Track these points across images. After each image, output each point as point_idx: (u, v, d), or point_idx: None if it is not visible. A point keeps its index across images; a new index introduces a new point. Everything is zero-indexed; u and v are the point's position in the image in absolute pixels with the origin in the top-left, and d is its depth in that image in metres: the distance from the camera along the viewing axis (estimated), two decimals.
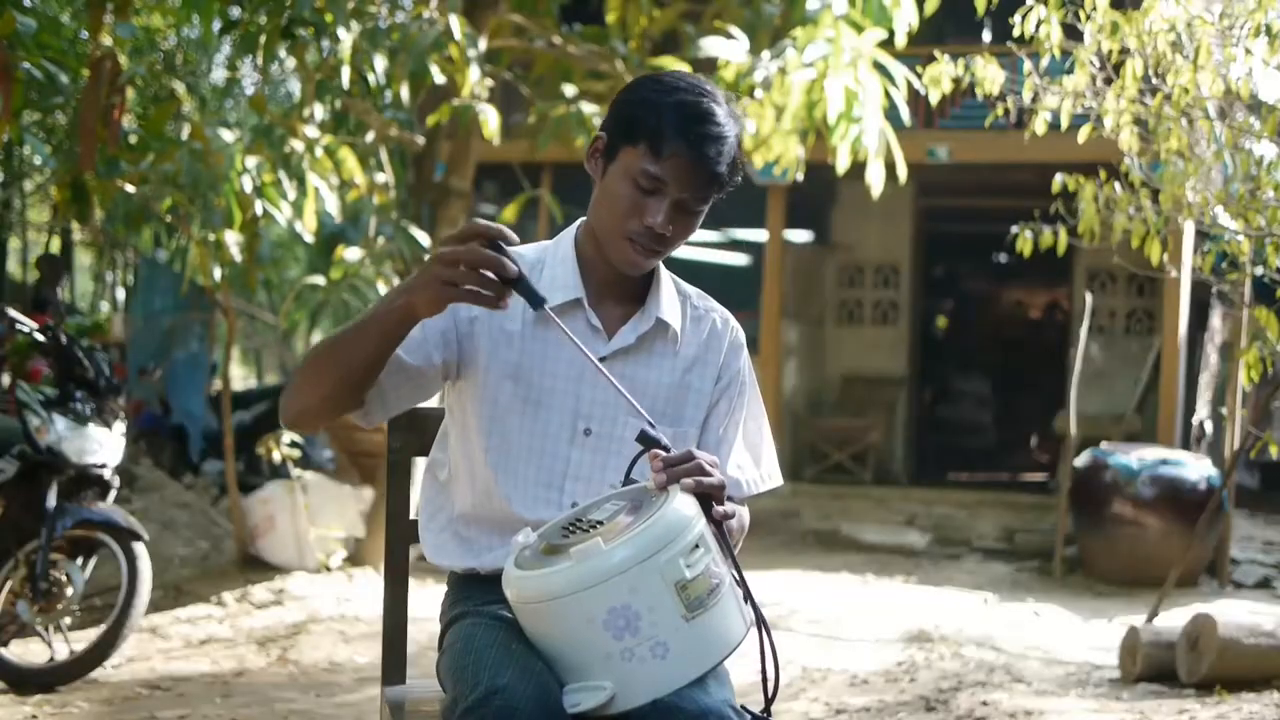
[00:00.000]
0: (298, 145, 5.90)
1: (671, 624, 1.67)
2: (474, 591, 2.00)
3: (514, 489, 1.98)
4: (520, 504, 1.97)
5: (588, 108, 6.42)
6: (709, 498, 1.75)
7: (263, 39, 5.49)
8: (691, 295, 2.11)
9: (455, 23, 5.68)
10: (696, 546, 1.69)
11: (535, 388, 1.97)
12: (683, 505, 1.71)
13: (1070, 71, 4.73)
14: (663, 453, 1.78)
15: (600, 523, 1.73)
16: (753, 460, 2.10)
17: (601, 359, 1.99)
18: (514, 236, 1.73)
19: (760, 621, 1.76)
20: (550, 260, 2.03)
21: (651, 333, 2.02)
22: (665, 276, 2.06)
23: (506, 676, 1.70)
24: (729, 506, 1.78)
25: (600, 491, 1.93)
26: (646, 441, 1.80)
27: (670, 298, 2.06)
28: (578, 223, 2.05)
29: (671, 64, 6.27)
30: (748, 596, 1.76)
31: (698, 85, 1.92)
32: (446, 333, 1.94)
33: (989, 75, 4.87)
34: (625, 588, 1.65)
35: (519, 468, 1.98)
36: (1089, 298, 8.75)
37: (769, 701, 1.79)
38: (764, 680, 1.79)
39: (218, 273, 6.21)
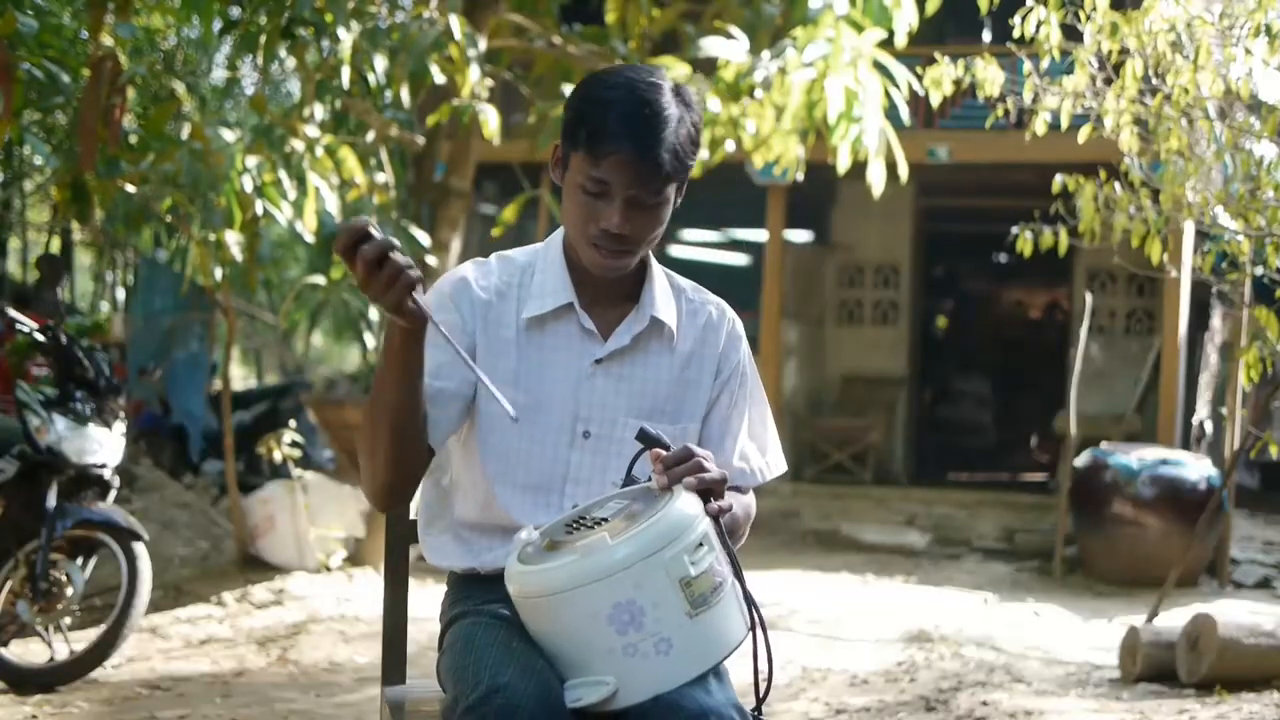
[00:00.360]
0: (298, 145, 5.90)
1: (675, 620, 1.67)
2: (474, 591, 2.00)
3: (513, 497, 1.98)
4: (519, 512, 1.96)
5: None
6: (709, 492, 1.76)
7: (263, 39, 5.49)
8: (686, 289, 2.10)
9: (455, 23, 5.68)
10: (700, 544, 1.70)
11: (534, 393, 1.97)
12: (687, 504, 1.72)
13: (1070, 72, 4.73)
14: (663, 452, 1.78)
15: (604, 520, 1.74)
16: (757, 449, 2.10)
17: (598, 361, 1.99)
18: (362, 222, 1.71)
19: (757, 621, 1.77)
20: (540, 265, 2.03)
21: (647, 332, 2.02)
22: (658, 272, 2.06)
23: (507, 675, 1.70)
24: (726, 501, 1.79)
25: (602, 493, 1.93)
26: (646, 440, 1.80)
27: (664, 294, 2.05)
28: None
29: (672, 64, 6.27)
30: (746, 595, 1.77)
31: (633, 79, 1.89)
32: (467, 350, 1.95)
33: (989, 76, 4.87)
34: (630, 583, 1.66)
35: (519, 475, 1.98)
36: (1089, 298, 8.75)
37: (760, 700, 1.80)
38: (755, 678, 1.79)
39: (218, 273, 6.21)
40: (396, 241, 1.71)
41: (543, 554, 1.74)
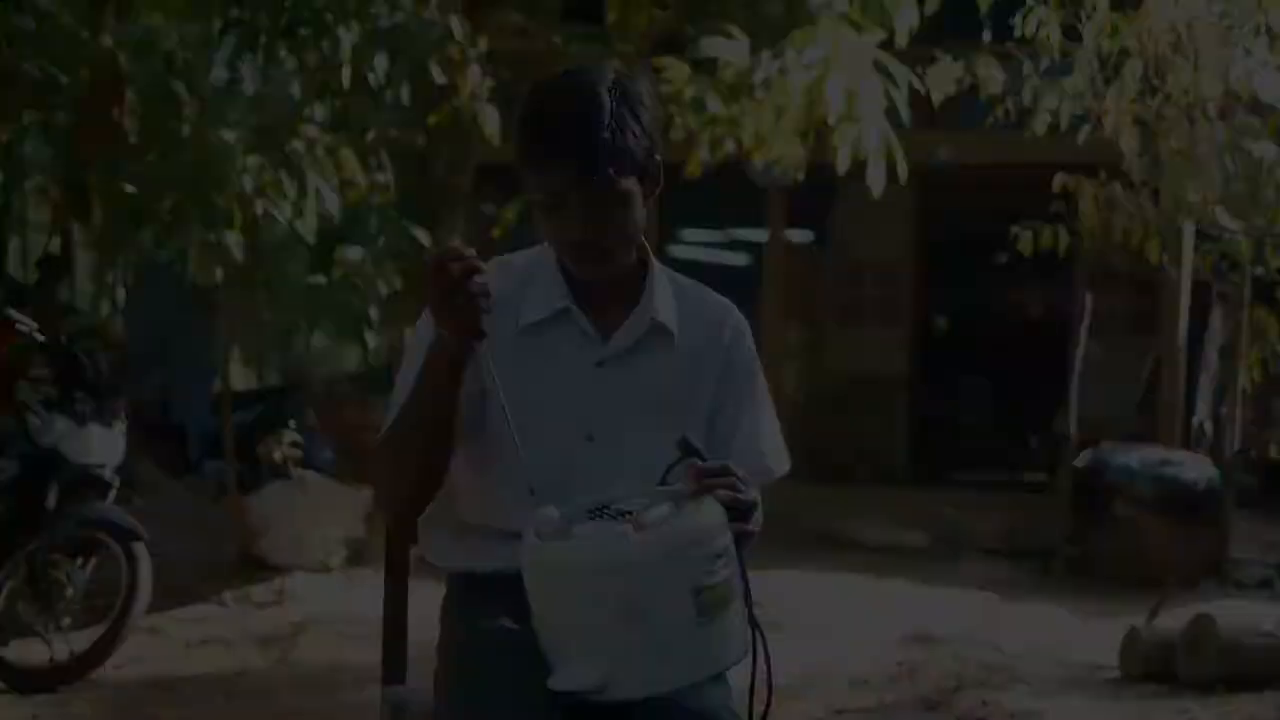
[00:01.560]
0: (298, 145, 5.90)
1: (680, 625, 1.66)
2: (472, 597, 1.99)
3: (514, 504, 1.97)
4: (520, 520, 1.96)
5: None
6: (738, 513, 1.76)
7: (263, 39, 5.49)
8: (688, 287, 2.09)
9: (455, 23, 5.68)
10: (720, 556, 1.70)
11: (536, 398, 1.95)
12: (715, 514, 1.72)
13: (1070, 72, 4.74)
14: (699, 462, 1.78)
15: (629, 513, 1.73)
16: (764, 447, 2.09)
17: (599, 364, 1.99)
18: (465, 251, 1.74)
19: (760, 643, 1.77)
20: (536, 270, 2.01)
21: (649, 333, 2.01)
22: (659, 272, 2.04)
23: None
24: (753, 526, 1.80)
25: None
26: (686, 449, 1.80)
27: (664, 294, 2.03)
28: None
29: (671, 64, 6.27)
30: (751, 619, 1.77)
31: (565, 85, 1.87)
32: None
33: (990, 76, 4.87)
34: (644, 578, 1.65)
35: (521, 481, 1.97)
36: (1089, 298, 8.74)
37: None
38: (750, 701, 1.80)
39: (218, 273, 6.21)
40: (484, 275, 1.73)
41: (561, 533, 1.73)
